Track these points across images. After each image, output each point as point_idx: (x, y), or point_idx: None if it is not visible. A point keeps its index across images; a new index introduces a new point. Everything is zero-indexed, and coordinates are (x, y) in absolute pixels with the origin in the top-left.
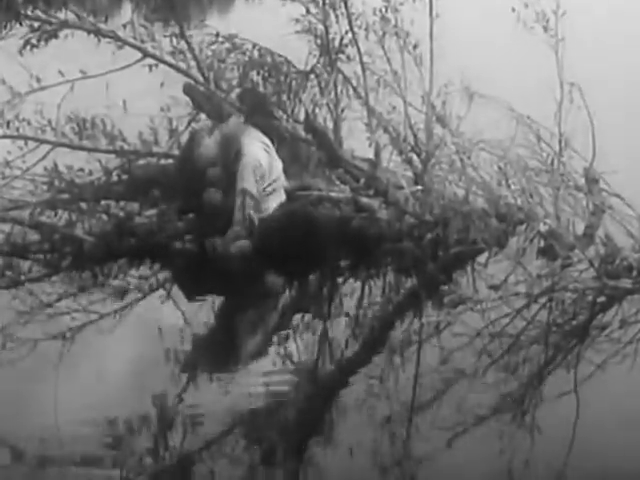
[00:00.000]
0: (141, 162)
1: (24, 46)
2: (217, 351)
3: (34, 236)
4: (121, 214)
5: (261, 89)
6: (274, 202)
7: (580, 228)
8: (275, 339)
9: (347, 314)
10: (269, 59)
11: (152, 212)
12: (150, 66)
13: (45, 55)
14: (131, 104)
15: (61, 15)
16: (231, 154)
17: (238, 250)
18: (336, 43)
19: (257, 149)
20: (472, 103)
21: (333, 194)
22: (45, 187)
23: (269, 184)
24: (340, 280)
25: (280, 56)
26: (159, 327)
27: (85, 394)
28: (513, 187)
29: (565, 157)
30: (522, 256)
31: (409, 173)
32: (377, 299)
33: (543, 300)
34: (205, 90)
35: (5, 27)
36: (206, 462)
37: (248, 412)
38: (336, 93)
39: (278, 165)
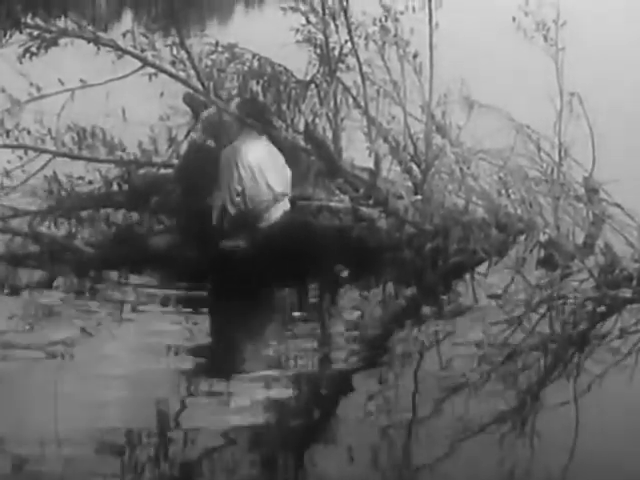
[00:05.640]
0: (141, 171)
1: (24, 54)
2: (217, 358)
3: (34, 246)
4: (120, 223)
5: (261, 99)
6: (278, 211)
7: (580, 238)
8: (275, 347)
9: (347, 323)
10: (269, 69)
11: (152, 221)
12: (150, 75)
13: (45, 63)
14: (131, 113)
15: (61, 23)
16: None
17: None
18: (336, 53)
19: (251, 154)
20: (472, 113)
21: (333, 204)
22: (45, 196)
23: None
24: (340, 290)
25: (280, 66)
26: (159, 335)
27: (84, 405)
28: (513, 197)
29: (565, 167)
30: (522, 266)
31: (409, 183)
32: (377, 309)
33: (543, 310)
34: (205, 100)
35: (5, 35)
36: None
37: (248, 423)
38: (336, 103)
39: (285, 173)
